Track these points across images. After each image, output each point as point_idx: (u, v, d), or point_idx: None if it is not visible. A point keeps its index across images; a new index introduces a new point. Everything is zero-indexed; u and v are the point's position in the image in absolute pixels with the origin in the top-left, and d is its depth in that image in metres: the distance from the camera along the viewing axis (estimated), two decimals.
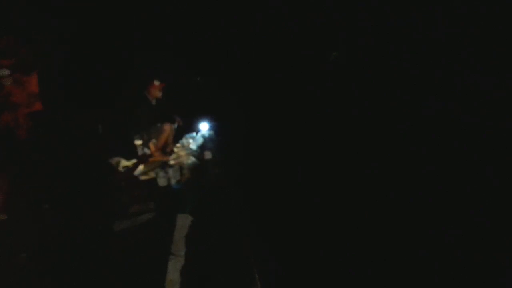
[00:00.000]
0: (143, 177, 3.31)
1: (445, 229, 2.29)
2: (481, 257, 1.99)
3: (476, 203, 2.52)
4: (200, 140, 4.46)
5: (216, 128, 5.18)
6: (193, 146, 4.22)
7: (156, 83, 3.82)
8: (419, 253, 2.10)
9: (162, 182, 3.11)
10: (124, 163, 3.57)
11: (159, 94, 3.86)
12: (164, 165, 3.49)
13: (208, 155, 3.81)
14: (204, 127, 5.01)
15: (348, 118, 5.07)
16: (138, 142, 3.81)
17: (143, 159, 3.66)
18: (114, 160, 3.59)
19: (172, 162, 3.62)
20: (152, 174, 3.32)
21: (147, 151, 3.82)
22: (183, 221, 2.27)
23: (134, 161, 3.62)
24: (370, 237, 2.30)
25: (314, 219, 2.59)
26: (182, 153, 3.94)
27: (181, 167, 3.42)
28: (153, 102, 3.87)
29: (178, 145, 4.31)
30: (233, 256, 1.87)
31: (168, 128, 3.86)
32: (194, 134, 4.78)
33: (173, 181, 3.12)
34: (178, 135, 4.39)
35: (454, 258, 2.03)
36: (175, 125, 4.08)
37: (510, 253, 1.98)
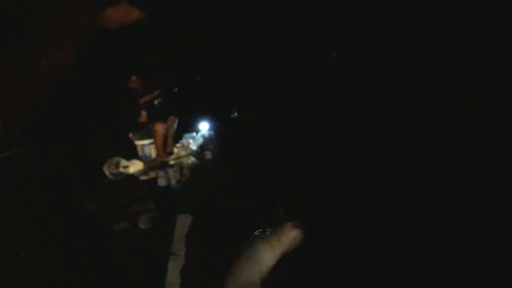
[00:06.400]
0: (143, 177, 3.31)
1: (444, 230, 2.29)
2: (481, 257, 1.99)
3: (476, 203, 2.52)
4: (200, 140, 4.47)
5: (216, 128, 5.18)
6: (193, 146, 4.22)
7: (133, 77, 3.80)
8: (419, 254, 2.10)
9: (162, 182, 3.11)
10: (124, 163, 3.57)
11: (139, 89, 3.84)
12: (164, 165, 3.49)
13: (208, 155, 3.82)
14: (204, 127, 5.02)
15: (349, 119, 5.06)
16: (140, 142, 3.81)
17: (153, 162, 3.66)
18: (114, 160, 3.59)
19: (172, 162, 3.62)
20: (152, 174, 3.33)
21: (147, 151, 3.82)
22: (183, 221, 2.27)
23: (140, 164, 3.60)
24: (371, 237, 2.30)
25: (315, 219, 2.59)
26: (182, 153, 3.94)
27: (181, 167, 3.43)
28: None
29: (178, 145, 4.31)
30: (233, 256, 1.87)
31: (159, 128, 3.79)
32: (194, 134, 4.79)
33: (173, 181, 3.13)
34: (178, 135, 4.38)
35: (453, 258, 2.03)
36: (175, 125, 4.08)
37: (510, 253, 1.98)
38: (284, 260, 2.06)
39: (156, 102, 3.96)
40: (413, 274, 1.93)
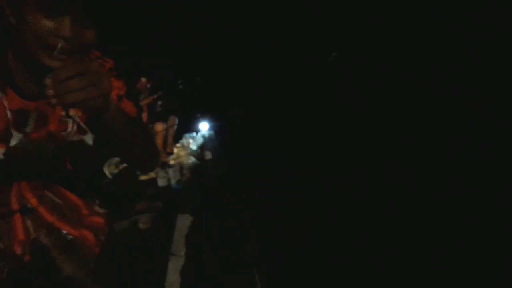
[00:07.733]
0: (143, 177, 3.30)
1: (444, 229, 2.29)
2: (481, 257, 1.98)
3: (476, 203, 2.52)
4: (200, 140, 4.47)
5: (216, 128, 5.18)
6: (193, 146, 4.22)
7: (143, 80, 3.79)
8: (419, 254, 2.10)
9: (162, 182, 3.10)
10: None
11: (145, 90, 3.83)
12: (164, 165, 3.48)
13: (208, 155, 3.81)
14: (204, 127, 5.01)
15: (349, 119, 5.07)
16: None
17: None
18: (114, 160, 3.59)
19: (172, 162, 3.62)
20: (152, 174, 3.32)
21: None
22: (183, 221, 2.27)
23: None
24: (371, 237, 2.30)
25: (315, 219, 2.59)
26: (182, 153, 3.94)
27: (181, 167, 3.42)
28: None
29: (178, 145, 4.31)
30: (233, 256, 1.87)
31: (160, 128, 3.78)
32: (194, 134, 4.78)
33: (173, 181, 3.12)
34: (178, 135, 4.38)
35: (453, 258, 2.03)
36: (175, 125, 4.07)
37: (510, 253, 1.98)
38: (285, 260, 2.06)
39: (157, 104, 3.97)
40: (413, 274, 1.93)
